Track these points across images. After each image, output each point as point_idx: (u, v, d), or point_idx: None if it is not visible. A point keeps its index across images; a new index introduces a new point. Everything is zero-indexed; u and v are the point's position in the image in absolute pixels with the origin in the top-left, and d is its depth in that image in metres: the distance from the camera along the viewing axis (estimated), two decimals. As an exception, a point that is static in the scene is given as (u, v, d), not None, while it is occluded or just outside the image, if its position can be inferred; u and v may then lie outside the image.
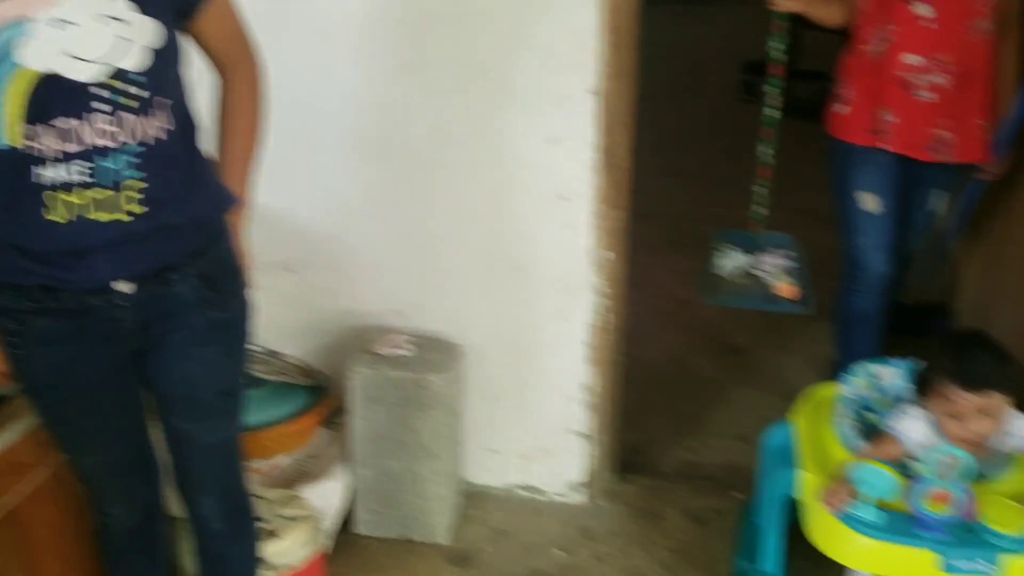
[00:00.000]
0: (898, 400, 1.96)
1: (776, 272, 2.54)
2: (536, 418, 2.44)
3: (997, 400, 1.73)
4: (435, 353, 2.27)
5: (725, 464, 2.71)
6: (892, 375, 2.01)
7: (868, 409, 2.00)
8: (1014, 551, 1.64)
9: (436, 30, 2.13)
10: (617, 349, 2.42)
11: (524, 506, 2.49)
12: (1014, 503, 1.69)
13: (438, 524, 2.33)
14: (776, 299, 2.50)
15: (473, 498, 2.50)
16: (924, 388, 1.85)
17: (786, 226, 4.41)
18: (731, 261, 2.60)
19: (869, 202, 2.61)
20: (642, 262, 4.02)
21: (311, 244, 2.34)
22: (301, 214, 2.30)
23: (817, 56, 5.77)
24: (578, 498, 2.50)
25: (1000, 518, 1.66)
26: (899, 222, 2.66)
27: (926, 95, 2.45)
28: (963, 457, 1.66)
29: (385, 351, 2.24)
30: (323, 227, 2.32)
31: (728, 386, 3.12)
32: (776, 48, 2.42)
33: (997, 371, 1.74)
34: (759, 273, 2.57)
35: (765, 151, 2.57)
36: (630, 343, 3.36)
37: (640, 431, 2.84)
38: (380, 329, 2.34)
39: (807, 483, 1.87)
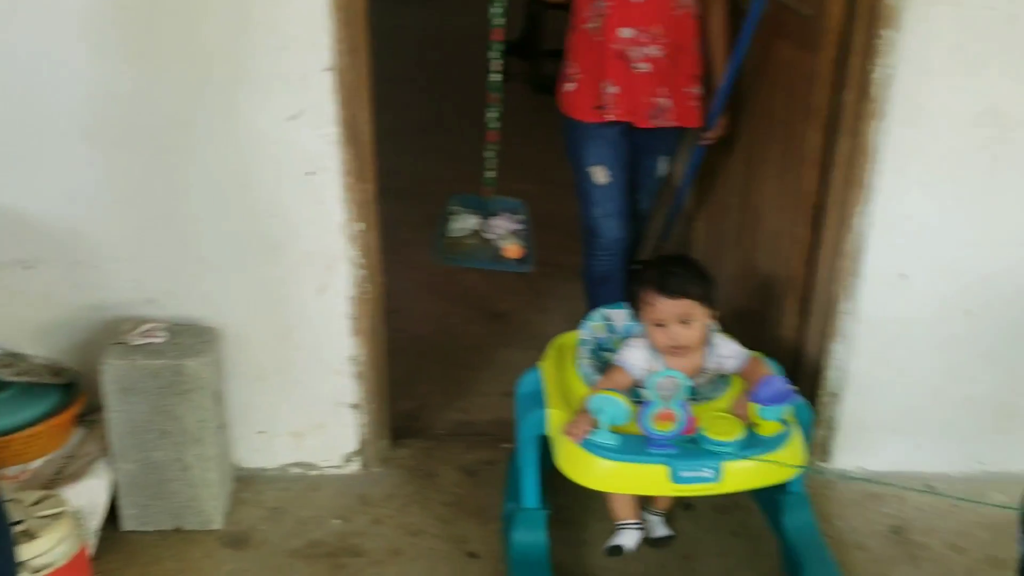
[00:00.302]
0: (629, 337, 2.15)
1: (504, 234, 2.70)
2: (304, 394, 2.46)
3: (694, 307, 1.98)
4: (191, 338, 2.24)
5: (494, 420, 2.84)
6: (623, 316, 2.20)
7: (604, 349, 2.19)
8: (732, 457, 1.85)
9: (162, 15, 2.10)
10: (378, 318, 2.48)
11: (299, 483, 2.51)
12: (729, 415, 1.91)
13: (210, 510, 2.31)
14: (502, 259, 2.68)
15: (246, 482, 2.49)
16: (635, 304, 2.07)
17: (541, 195, 4.64)
18: (462, 224, 2.74)
19: (600, 175, 2.76)
20: (409, 239, 4.13)
21: (47, 238, 2.25)
22: (32, 208, 2.21)
23: (560, 35, 6.06)
24: (353, 468, 2.55)
25: (718, 429, 1.87)
26: (630, 189, 2.85)
27: (642, 66, 2.63)
28: (680, 378, 1.85)
29: (137, 341, 2.20)
30: (59, 220, 2.23)
31: (494, 348, 3.26)
32: (495, 14, 2.55)
33: (692, 282, 2.00)
34: (488, 235, 2.72)
35: (491, 116, 2.70)
36: (399, 317, 3.45)
37: (412, 399, 2.93)
38: (133, 320, 2.29)
39: (553, 420, 2.03)
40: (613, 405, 1.85)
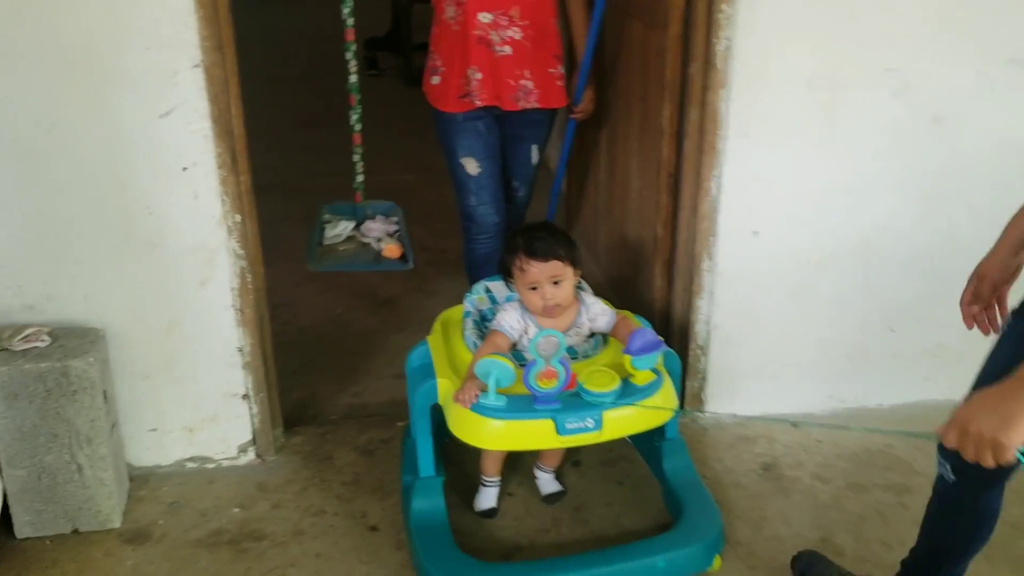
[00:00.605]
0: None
1: (381, 236, 2.78)
2: (193, 388, 2.49)
3: (562, 268, 2.12)
4: (75, 340, 2.25)
5: (388, 401, 2.92)
6: (502, 287, 2.31)
7: (487, 320, 2.30)
8: (610, 406, 1.99)
9: (24, 17, 2.10)
10: (262, 307, 2.53)
11: (196, 476, 2.54)
12: (606, 369, 2.04)
13: (107, 510, 2.32)
14: (382, 259, 2.76)
15: (142, 480, 2.51)
16: (508, 273, 2.19)
17: (421, 184, 4.73)
18: (337, 231, 2.81)
19: (471, 166, 2.85)
20: (291, 233, 4.17)
21: (-84, 250, 2.22)
22: None
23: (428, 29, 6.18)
24: (249, 458, 2.59)
25: (597, 382, 1.99)
26: (502, 176, 2.95)
27: (505, 49, 2.71)
28: (558, 336, 1.97)
29: (20, 347, 2.19)
30: (-72, 230, 2.21)
31: (383, 334, 3.34)
32: (346, 15, 2.62)
33: (557, 244, 2.14)
34: (365, 239, 2.80)
35: (354, 119, 2.78)
36: (286, 310, 3.50)
37: (304, 388, 2.98)
38: (14, 327, 2.27)
39: (443, 389, 2.13)
40: (499, 368, 1.95)
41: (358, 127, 2.85)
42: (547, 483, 2.42)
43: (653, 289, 2.82)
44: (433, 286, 3.68)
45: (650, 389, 2.05)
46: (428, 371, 2.22)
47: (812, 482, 2.53)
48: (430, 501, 2.25)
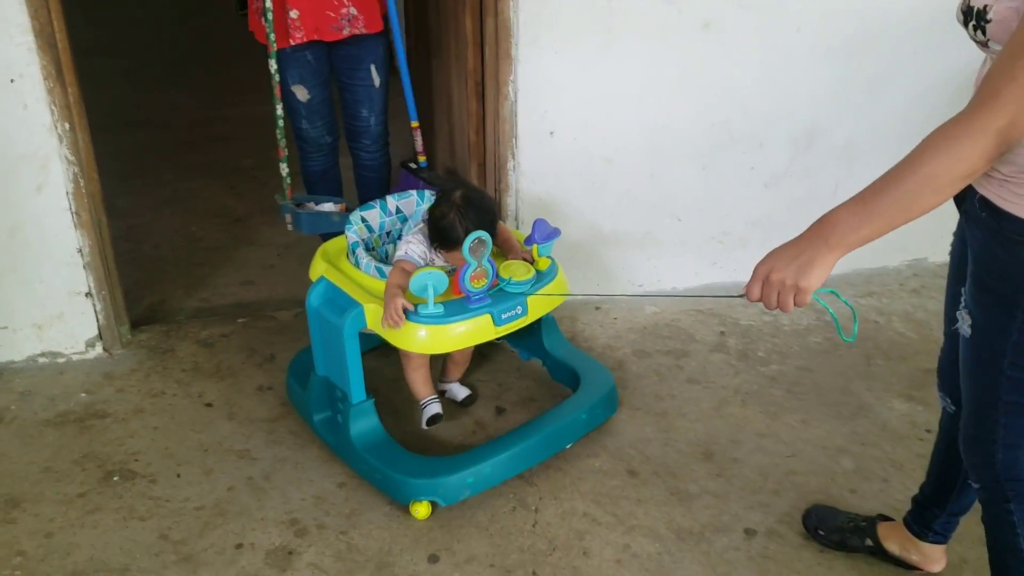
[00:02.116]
0: (386, 234, 2.52)
1: (330, 205, 2.98)
2: (40, 288, 2.69)
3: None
4: (-84, 238, 2.43)
5: (232, 304, 3.17)
6: (375, 215, 2.49)
7: (369, 248, 2.47)
8: (530, 292, 2.23)
9: None
10: (98, 210, 2.71)
11: (47, 369, 2.76)
12: (523, 262, 2.27)
13: (-41, 397, 2.52)
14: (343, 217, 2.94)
15: (-6, 374, 2.72)
16: (449, 239, 2.22)
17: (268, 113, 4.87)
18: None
19: (301, 92, 2.95)
20: (154, 163, 4.34)
21: None
22: None
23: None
24: (97, 352, 2.82)
25: (515, 274, 2.21)
26: (331, 99, 3.03)
27: None
28: (486, 237, 2.11)
29: None
30: None
31: (235, 248, 3.57)
32: (273, 71, 2.84)
33: (496, 222, 2.28)
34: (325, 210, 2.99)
35: (278, 136, 2.97)
36: (146, 230, 3.72)
37: (156, 295, 3.21)
38: None
39: (371, 312, 2.20)
40: (433, 277, 2.09)
41: (281, 143, 3.02)
42: (458, 390, 2.62)
43: (472, 191, 3.10)
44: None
45: (553, 272, 2.32)
46: (341, 303, 2.26)
47: (603, 350, 2.87)
48: (369, 420, 2.31)
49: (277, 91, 2.89)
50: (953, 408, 1.82)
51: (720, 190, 3.07)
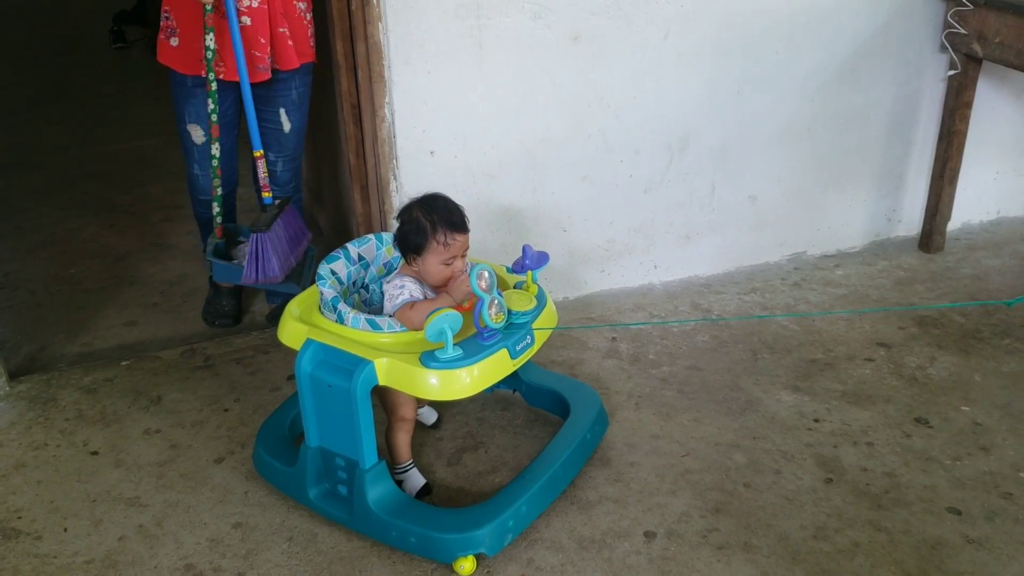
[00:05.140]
0: (353, 283, 2.36)
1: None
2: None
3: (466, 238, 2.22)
4: None
5: (115, 346, 3.07)
6: (342, 266, 2.33)
7: (339, 302, 2.22)
8: (533, 319, 2.18)
9: None
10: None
11: (-84, 430, 2.63)
12: (523, 292, 2.22)
13: None
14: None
15: None
16: (414, 248, 2.19)
17: (163, 147, 4.80)
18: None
19: (196, 134, 2.79)
20: (28, 207, 4.20)
21: None
22: None
23: None
24: (-29, 408, 2.70)
25: (520, 304, 2.16)
26: (234, 147, 2.86)
27: (245, 20, 2.60)
28: (486, 268, 2.04)
29: None
30: None
31: (117, 288, 3.46)
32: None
33: (463, 215, 2.24)
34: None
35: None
36: (21, 275, 3.59)
37: (35, 343, 3.09)
38: None
39: (382, 368, 2.04)
40: (449, 319, 1.97)
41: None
42: (429, 414, 2.58)
43: (356, 215, 3.08)
44: (168, 239, 3.83)
45: (543, 298, 2.27)
46: (347, 361, 2.08)
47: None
48: (385, 485, 2.17)
49: (214, 129, 2.71)
50: None
51: (602, 199, 3.12)
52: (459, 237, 2.20)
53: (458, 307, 2.11)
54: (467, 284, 2.07)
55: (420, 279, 2.23)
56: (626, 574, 2.09)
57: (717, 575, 2.07)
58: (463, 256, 2.22)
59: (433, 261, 2.19)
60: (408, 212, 2.23)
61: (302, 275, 2.87)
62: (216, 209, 2.83)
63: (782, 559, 2.11)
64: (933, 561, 2.10)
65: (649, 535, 2.19)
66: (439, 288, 2.22)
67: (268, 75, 2.71)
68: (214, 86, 2.65)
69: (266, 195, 2.81)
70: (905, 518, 2.23)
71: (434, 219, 2.17)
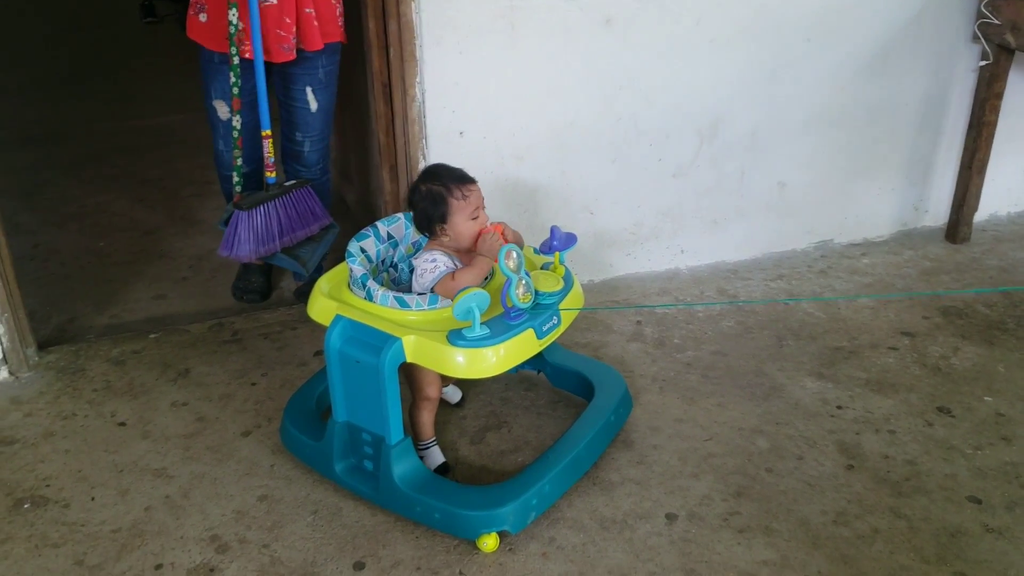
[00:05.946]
0: (383, 261, 2.36)
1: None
2: (-64, 313, 2.61)
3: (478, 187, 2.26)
4: None
5: (144, 319, 3.10)
6: (371, 244, 2.33)
7: (368, 279, 2.23)
8: (560, 300, 2.19)
9: None
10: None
11: (-51, 396, 2.67)
12: (550, 273, 2.23)
13: None
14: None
15: None
16: (438, 218, 2.22)
17: (194, 123, 4.83)
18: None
19: (222, 109, 2.80)
20: (57, 179, 4.24)
21: None
22: None
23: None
24: (2, 376, 2.72)
25: (545, 285, 2.17)
26: (257, 124, 2.76)
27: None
28: (514, 248, 2.06)
29: None
30: None
31: (146, 262, 3.50)
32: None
33: (462, 169, 2.29)
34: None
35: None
36: (51, 248, 3.64)
37: (65, 314, 3.12)
38: None
39: (409, 344, 2.06)
40: (477, 298, 1.97)
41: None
42: (453, 393, 2.60)
43: (384, 193, 3.10)
44: (198, 215, 3.86)
45: (570, 279, 2.27)
46: (376, 337, 2.09)
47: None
48: (411, 460, 2.19)
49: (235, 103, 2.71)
50: None
51: (630, 182, 3.12)
52: (473, 187, 2.24)
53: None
54: (495, 238, 2.17)
55: (448, 251, 2.25)
56: (647, 555, 2.10)
57: (737, 558, 2.08)
58: (483, 208, 2.26)
59: (460, 220, 2.22)
60: (416, 192, 2.27)
61: (310, 256, 2.85)
62: (236, 179, 2.83)
63: (802, 543, 2.11)
64: (952, 549, 2.10)
65: (671, 517, 2.20)
66: (470, 252, 2.25)
67: (293, 55, 2.72)
68: (236, 60, 2.66)
69: (269, 175, 2.80)
70: (925, 506, 2.23)
71: (443, 182, 2.23)
